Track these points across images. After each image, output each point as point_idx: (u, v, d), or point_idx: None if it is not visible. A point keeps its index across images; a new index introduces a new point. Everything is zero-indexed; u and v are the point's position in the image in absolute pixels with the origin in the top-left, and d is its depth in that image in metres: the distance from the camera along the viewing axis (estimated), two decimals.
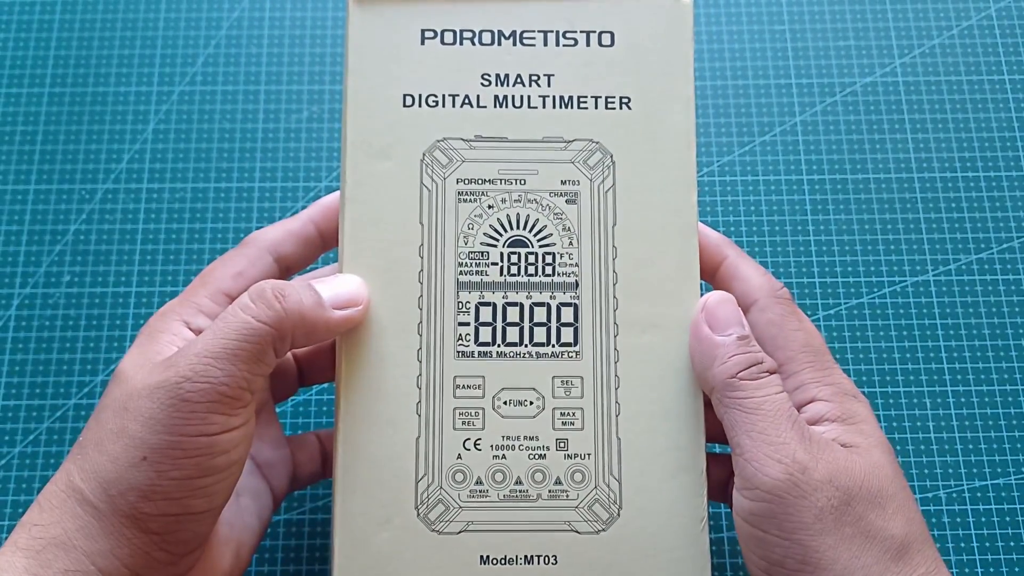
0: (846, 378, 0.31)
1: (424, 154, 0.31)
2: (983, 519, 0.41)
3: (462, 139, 0.31)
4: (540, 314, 0.31)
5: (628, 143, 0.31)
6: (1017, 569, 0.40)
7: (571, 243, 0.31)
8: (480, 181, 0.31)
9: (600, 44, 0.32)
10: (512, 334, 0.30)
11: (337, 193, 0.32)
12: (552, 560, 0.29)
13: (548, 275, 0.31)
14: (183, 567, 0.29)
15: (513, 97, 0.32)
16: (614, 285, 0.31)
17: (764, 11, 0.50)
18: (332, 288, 0.30)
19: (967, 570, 0.40)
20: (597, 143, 0.31)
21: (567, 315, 0.31)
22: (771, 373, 0.30)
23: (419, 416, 0.30)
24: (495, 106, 0.31)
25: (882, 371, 0.43)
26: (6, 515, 0.41)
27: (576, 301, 0.31)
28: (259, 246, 0.32)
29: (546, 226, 0.31)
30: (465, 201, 0.31)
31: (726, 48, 0.49)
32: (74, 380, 0.43)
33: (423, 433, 0.30)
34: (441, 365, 0.30)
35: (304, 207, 0.46)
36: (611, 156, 0.31)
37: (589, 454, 0.30)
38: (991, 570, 0.40)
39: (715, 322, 0.30)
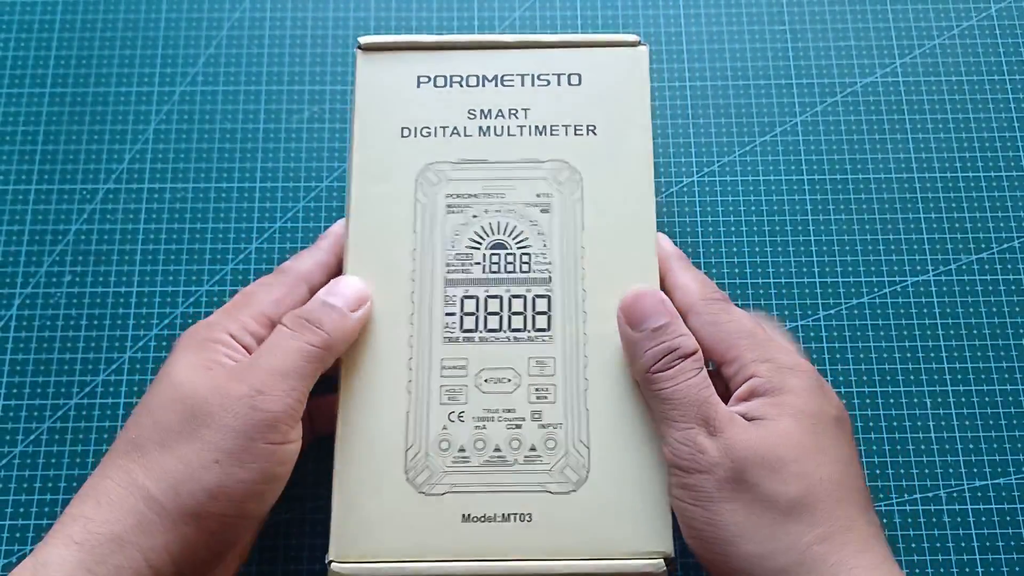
0: (786, 350, 0.34)
1: (418, 175, 0.37)
2: (983, 519, 0.41)
3: (449, 162, 0.37)
4: (517, 304, 0.35)
5: (594, 162, 0.37)
6: (1017, 569, 0.40)
7: (545, 245, 0.36)
8: (466, 196, 0.36)
9: (569, 83, 0.38)
10: (492, 322, 0.35)
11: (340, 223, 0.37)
12: (527, 518, 0.33)
13: (525, 272, 0.35)
14: (215, 566, 0.33)
15: (495, 127, 0.37)
16: (582, 279, 0.35)
17: (765, 11, 0.50)
18: (344, 295, 0.34)
19: (967, 570, 0.40)
20: (566, 163, 0.37)
21: (541, 305, 0.35)
22: (687, 356, 0.33)
23: (409, 394, 0.34)
24: (479, 135, 0.37)
25: (882, 371, 0.43)
26: (7, 515, 0.41)
27: (549, 293, 0.35)
28: (295, 275, 0.36)
29: (523, 231, 0.36)
30: (452, 212, 0.36)
31: (727, 48, 0.49)
32: (75, 380, 0.43)
33: (412, 408, 0.34)
34: (430, 349, 0.35)
35: (305, 207, 0.46)
36: (579, 173, 0.37)
37: (561, 424, 0.34)
38: (991, 570, 0.40)
39: (632, 318, 0.34)
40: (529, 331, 0.35)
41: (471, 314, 0.35)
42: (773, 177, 0.46)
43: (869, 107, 0.48)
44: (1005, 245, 0.45)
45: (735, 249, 0.45)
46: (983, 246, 0.45)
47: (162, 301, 0.45)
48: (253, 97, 0.48)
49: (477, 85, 0.38)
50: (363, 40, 0.38)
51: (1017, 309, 0.44)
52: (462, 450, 0.34)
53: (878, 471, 0.42)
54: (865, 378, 0.43)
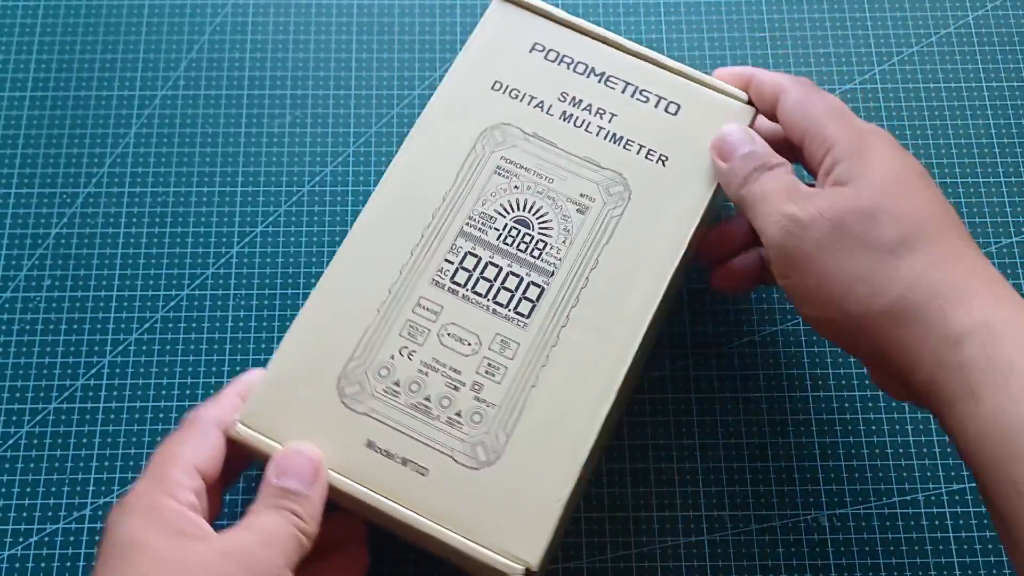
0: (865, 123, 0.36)
1: (487, 128, 0.37)
2: (960, 522, 0.41)
3: (521, 130, 0.38)
4: (512, 282, 0.36)
5: (649, 189, 0.37)
6: (995, 571, 0.40)
7: (564, 241, 0.36)
8: (518, 165, 0.37)
9: (666, 110, 0.38)
10: (482, 286, 0.36)
11: (256, 371, 0.36)
12: (424, 472, 0.33)
13: (534, 257, 0.36)
14: None
15: (577, 117, 0.38)
16: (581, 288, 0.35)
17: (745, 18, 0.50)
18: (299, 474, 0.33)
19: (969, 572, 0.40)
20: (623, 178, 0.37)
21: (532, 293, 0.35)
22: (773, 168, 0.35)
23: (377, 312, 0.35)
24: (560, 118, 0.38)
25: (861, 375, 0.43)
26: None
27: (545, 285, 0.35)
28: (207, 421, 0.34)
29: (551, 220, 0.36)
30: (499, 174, 0.37)
31: (707, 55, 0.49)
32: (54, 384, 0.43)
33: (374, 327, 0.35)
34: (415, 283, 0.35)
35: (286, 211, 0.46)
36: (630, 192, 0.37)
37: (495, 405, 0.34)
38: (993, 572, 0.40)
39: (723, 151, 0.37)
40: (509, 309, 0.35)
41: (467, 270, 0.36)
42: None
43: None
44: (984, 251, 0.45)
45: None
46: None
47: (142, 305, 0.44)
48: (235, 101, 0.48)
49: (583, 74, 0.38)
50: None
51: None
52: (397, 384, 0.34)
53: (856, 474, 0.42)
54: (844, 382, 0.43)
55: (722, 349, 0.44)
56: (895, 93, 0.48)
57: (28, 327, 0.44)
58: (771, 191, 0.35)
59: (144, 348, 0.44)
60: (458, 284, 0.35)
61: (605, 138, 0.37)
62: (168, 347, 0.44)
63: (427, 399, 0.34)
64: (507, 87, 0.38)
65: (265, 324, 0.44)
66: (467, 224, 0.36)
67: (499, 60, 0.39)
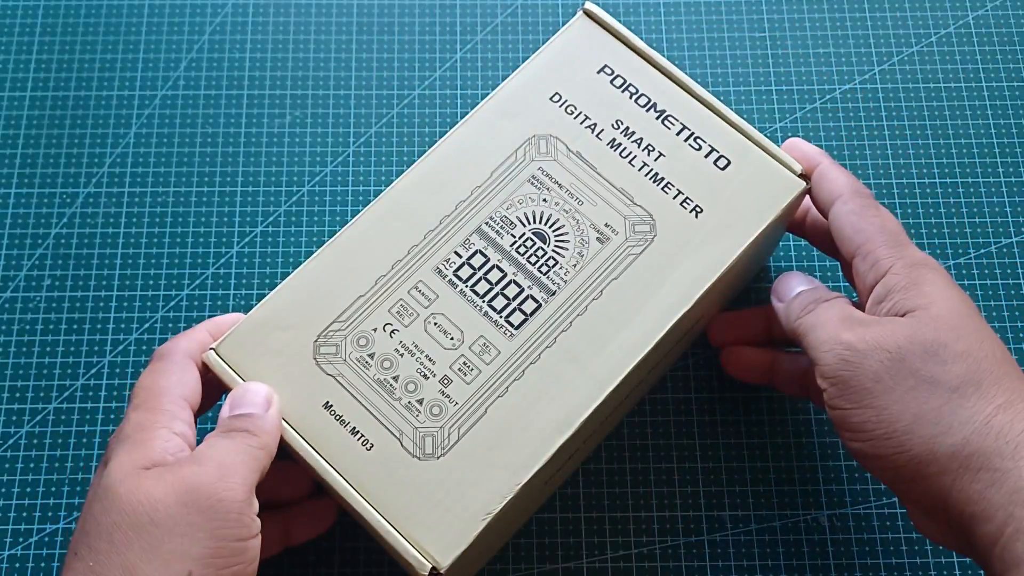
0: (919, 251, 0.35)
1: (534, 135, 0.37)
2: None
3: (566, 145, 0.37)
4: (512, 290, 0.35)
5: (674, 237, 0.36)
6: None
7: (576, 265, 0.36)
8: (552, 179, 0.37)
9: (716, 163, 0.37)
10: (482, 287, 0.35)
11: (231, 315, 0.37)
12: (369, 445, 0.33)
13: (541, 272, 0.36)
14: None
15: (624, 148, 0.37)
16: (578, 315, 0.35)
17: (745, 19, 0.50)
18: (254, 403, 0.33)
19: (969, 572, 0.40)
20: (653, 220, 0.36)
21: (529, 306, 0.35)
22: (829, 300, 0.35)
23: (375, 284, 0.35)
24: (607, 144, 0.37)
25: None
26: None
27: (543, 302, 0.35)
28: (183, 356, 0.34)
29: (568, 240, 0.36)
30: (531, 184, 0.37)
31: (707, 55, 0.49)
32: (54, 384, 0.43)
33: (366, 296, 0.35)
34: (419, 267, 0.36)
35: (286, 211, 0.46)
36: (655, 235, 0.36)
37: (457, 403, 0.34)
38: (968, 572, 0.40)
39: (780, 291, 0.37)
40: (501, 316, 0.35)
41: (472, 267, 0.36)
42: None
43: (848, 113, 0.48)
44: (983, 250, 0.45)
45: None
46: (961, 251, 0.45)
47: (142, 305, 0.44)
48: (235, 101, 0.48)
49: (644, 107, 0.38)
50: (588, 6, 0.39)
51: (995, 313, 0.44)
52: (371, 356, 0.34)
53: (856, 474, 0.42)
54: None
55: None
56: (895, 93, 0.48)
57: (28, 327, 0.44)
58: (827, 319, 0.34)
59: (144, 348, 0.44)
60: (459, 278, 0.35)
61: (646, 175, 0.37)
62: None
63: (395, 379, 0.34)
64: (565, 101, 0.38)
65: None
66: (486, 223, 0.36)
67: (565, 72, 0.39)
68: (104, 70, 0.49)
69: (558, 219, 0.36)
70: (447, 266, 0.36)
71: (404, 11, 0.50)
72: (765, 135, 0.38)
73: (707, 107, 0.38)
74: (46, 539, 0.41)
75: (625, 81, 0.38)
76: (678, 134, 0.38)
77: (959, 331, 0.32)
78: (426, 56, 0.49)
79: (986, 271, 0.45)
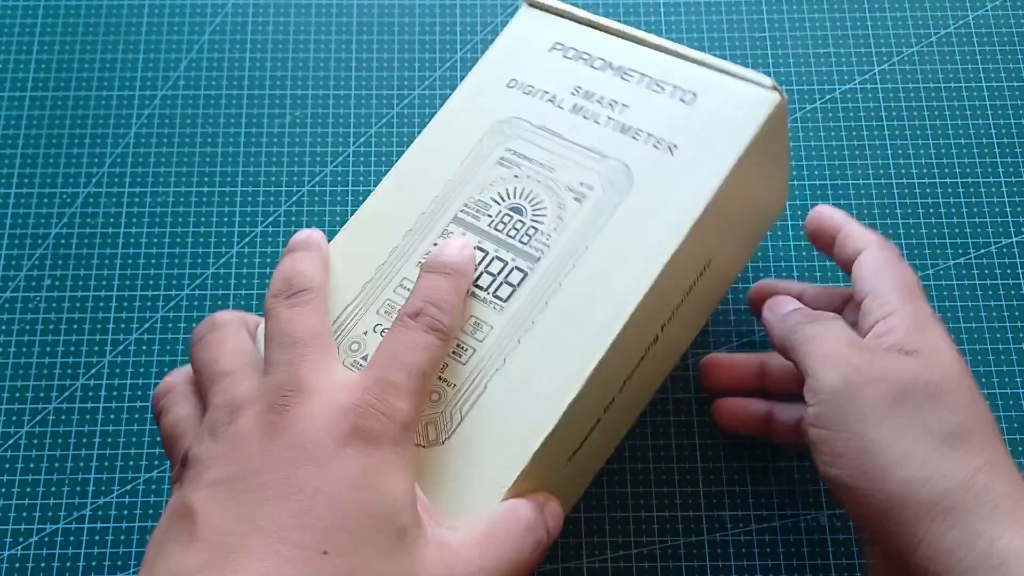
0: (929, 306, 0.35)
1: (497, 122, 0.37)
2: None
3: (530, 123, 0.37)
4: (496, 266, 0.34)
5: (653, 179, 0.35)
6: None
7: (556, 229, 0.35)
8: (522, 156, 0.36)
9: (682, 100, 0.36)
10: None
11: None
12: None
13: (523, 243, 0.35)
14: None
15: (587, 110, 0.37)
16: (566, 276, 0.34)
17: (745, 19, 0.50)
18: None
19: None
20: (628, 168, 0.35)
21: (515, 277, 0.34)
22: (828, 319, 0.34)
23: (361, 291, 0.35)
24: (570, 111, 0.37)
25: None
26: None
27: (529, 271, 0.34)
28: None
29: (546, 208, 0.35)
30: (502, 165, 0.36)
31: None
32: (54, 384, 0.43)
33: (355, 303, 0.34)
34: (402, 266, 0.35)
35: (287, 211, 0.46)
36: (633, 183, 0.35)
37: (455, 385, 0.33)
38: None
39: (773, 306, 0.37)
40: (488, 293, 0.34)
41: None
42: None
43: (848, 113, 0.48)
44: (983, 250, 0.45)
45: None
46: (961, 251, 0.45)
47: (142, 305, 0.44)
48: (235, 101, 0.48)
49: (599, 68, 0.38)
50: None
51: (994, 314, 0.44)
52: (364, 359, 0.33)
53: None
54: None
55: (722, 349, 0.44)
56: (895, 93, 0.48)
57: (28, 327, 0.44)
58: (831, 335, 0.33)
59: (144, 348, 0.44)
60: None
61: (614, 129, 0.36)
62: (168, 347, 0.44)
63: None
64: (522, 84, 0.38)
65: None
66: (462, 211, 0.36)
67: (518, 59, 0.39)
68: (104, 70, 0.49)
69: (532, 190, 0.36)
70: (427, 258, 0.35)
71: (404, 11, 0.50)
72: None
73: (663, 51, 0.37)
74: (46, 539, 0.41)
75: (577, 51, 0.38)
76: (638, 83, 0.37)
77: (960, 382, 0.32)
78: (426, 56, 0.49)
79: (986, 271, 0.45)
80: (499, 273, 0.34)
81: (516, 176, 0.36)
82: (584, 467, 0.38)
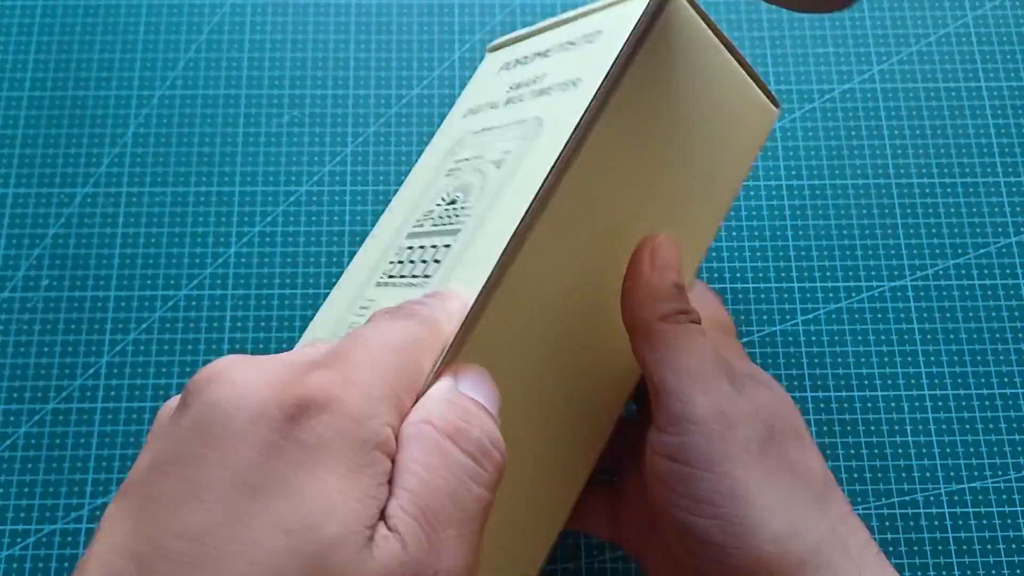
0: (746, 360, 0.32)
1: (452, 145, 0.38)
2: (959, 522, 0.41)
3: (473, 132, 0.38)
4: (428, 253, 0.34)
5: (556, 115, 0.32)
6: (994, 572, 0.40)
7: (479, 199, 0.33)
8: (463, 159, 0.37)
9: (588, 43, 0.34)
10: (407, 268, 0.34)
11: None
12: None
13: (453, 224, 0.33)
14: None
15: (516, 97, 0.37)
16: (481, 227, 0.31)
17: (744, 18, 0.50)
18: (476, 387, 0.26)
19: (969, 572, 0.40)
20: (540, 119, 0.33)
21: (441, 254, 0.32)
22: (701, 328, 0.29)
23: (336, 326, 0.35)
24: (504, 105, 0.38)
25: (860, 375, 0.43)
26: None
27: (452, 242, 0.32)
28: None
29: (475, 188, 0.34)
30: (449, 175, 0.37)
31: None
32: (52, 384, 0.43)
33: (326, 336, 0.35)
34: (364, 292, 0.35)
35: (284, 211, 0.46)
36: (541, 127, 0.33)
37: None
38: (992, 572, 0.40)
39: (659, 259, 0.30)
40: (419, 277, 0.32)
41: (401, 263, 0.34)
42: (751, 182, 0.46)
43: (847, 113, 0.48)
44: (982, 251, 0.45)
45: (712, 255, 0.45)
46: (960, 251, 0.45)
47: (140, 305, 0.44)
48: (233, 101, 0.48)
49: (528, 61, 0.38)
50: (490, 46, 0.42)
51: (993, 314, 0.44)
52: None
53: (855, 475, 0.42)
54: (843, 382, 0.43)
55: None
56: (895, 93, 0.48)
57: (25, 327, 0.44)
58: (703, 351, 0.28)
59: (142, 348, 0.44)
60: (392, 276, 0.35)
61: (534, 97, 0.35)
62: (166, 347, 0.44)
63: None
64: (472, 108, 0.39)
65: (263, 324, 0.44)
66: (413, 226, 0.36)
67: (472, 94, 0.40)
68: (102, 70, 0.49)
69: (466, 180, 0.35)
70: (384, 276, 0.35)
71: (402, 11, 0.50)
72: None
73: (577, 18, 0.37)
74: (44, 539, 0.41)
75: (517, 60, 0.39)
76: (556, 52, 0.36)
77: (805, 426, 0.29)
78: (424, 56, 0.49)
79: (986, 271, 0.45)
80: (430, 257, 0.33)
81: (457, 177, 0.36)
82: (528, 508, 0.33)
